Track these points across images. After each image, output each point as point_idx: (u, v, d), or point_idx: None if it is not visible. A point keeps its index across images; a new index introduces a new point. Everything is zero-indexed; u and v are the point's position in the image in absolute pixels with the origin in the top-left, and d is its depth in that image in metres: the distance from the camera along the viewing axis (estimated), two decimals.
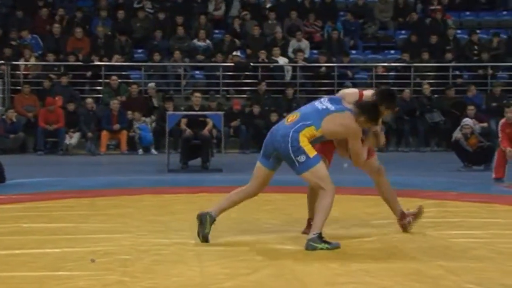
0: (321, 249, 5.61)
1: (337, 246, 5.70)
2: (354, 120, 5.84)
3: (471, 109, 13.79)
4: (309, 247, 5.66)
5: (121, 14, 18.94)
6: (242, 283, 4.64)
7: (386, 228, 6.59)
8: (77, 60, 17.27)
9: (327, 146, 6.17)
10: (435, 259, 5.32)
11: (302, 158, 5.77)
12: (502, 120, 10.64)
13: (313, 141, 5.86)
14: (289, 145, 5.77)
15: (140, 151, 15.49)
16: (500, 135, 10.58)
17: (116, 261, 5.22)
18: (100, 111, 16.18)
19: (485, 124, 13.67)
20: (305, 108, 6.04)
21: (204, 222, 5.93)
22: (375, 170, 6.25)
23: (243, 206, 7.85)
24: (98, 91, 17.17)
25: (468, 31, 19.44)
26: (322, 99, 6.02)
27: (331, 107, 5.89)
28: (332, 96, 6.14)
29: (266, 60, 17.65)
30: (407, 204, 7.71)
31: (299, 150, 5.77)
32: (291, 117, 5.95)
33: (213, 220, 5.95)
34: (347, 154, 6.13)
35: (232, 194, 6.12)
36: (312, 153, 5.80)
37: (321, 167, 5.81)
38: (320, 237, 5.69)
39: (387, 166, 6.93)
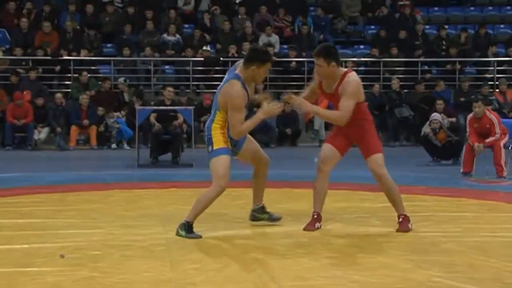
0: (181, 236, 5.78)
1: None
2: (236, 86, 5.81)
3: (439, 103, 13.88)
4: (176, 231, 5.85)
5: (89, 8, 18.79)
6: (212, 278, 4.64)
7: (356, 222, 6.63)
8: (46, 55, 17.12)
9: (340, 141, 6.21)
10: (404, 253, 5.35)
11: (209, 149, 5.92)
12: (470, 115, 10.72)
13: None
14: (206, 138, 5.94)
15: (114, 145, 15.43)
16: (468, 130, 10.67)
17: (86, 256, 5.19)
18: (69, 106, 16.06)
19: (453, 119, 13.77)
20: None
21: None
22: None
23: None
24: (67, 86, 17.03)
25: (436, 26, 19.61)
26: None
27: (224, 81, 6.00)
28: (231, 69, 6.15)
29: (236, 55, 17.62)
30: (377, 198, 7.77)
31: (210, 140, 5.92)
32: None
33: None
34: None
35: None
36: (217, 145, 5.87)
37: (219, 161, 5.82)
38: (189, 226, 5.82)
39: (356, 160, 6.98)
